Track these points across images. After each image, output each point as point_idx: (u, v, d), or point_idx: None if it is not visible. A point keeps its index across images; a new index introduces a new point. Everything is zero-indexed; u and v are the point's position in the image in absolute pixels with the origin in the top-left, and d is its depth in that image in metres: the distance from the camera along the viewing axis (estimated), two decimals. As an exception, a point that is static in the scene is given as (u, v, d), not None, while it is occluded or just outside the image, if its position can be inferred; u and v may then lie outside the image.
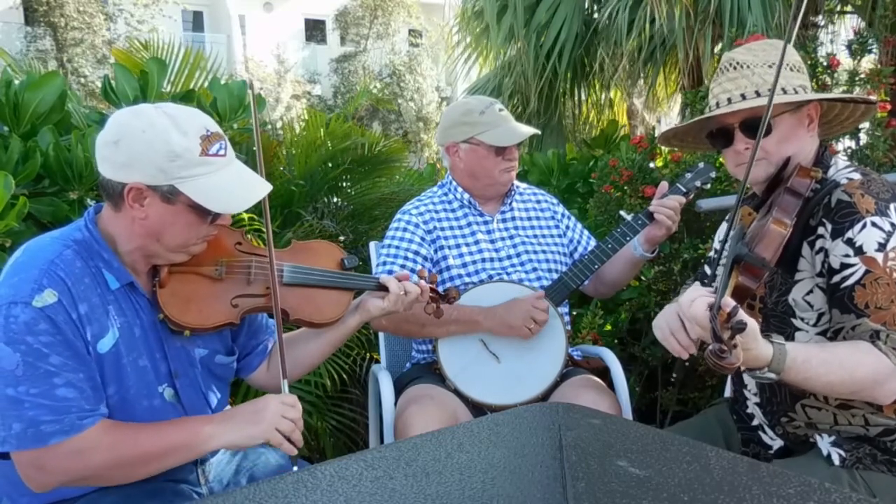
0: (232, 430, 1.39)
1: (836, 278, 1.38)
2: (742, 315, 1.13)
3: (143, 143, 1.32)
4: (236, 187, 1.41)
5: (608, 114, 6.13)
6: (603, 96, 5.99)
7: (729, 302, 1.15)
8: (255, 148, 1.56)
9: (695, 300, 1.22)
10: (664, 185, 2.18)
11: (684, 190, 2.18)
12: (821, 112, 1.57)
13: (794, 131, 1.52)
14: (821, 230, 1.42)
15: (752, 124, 1.50)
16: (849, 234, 1.37)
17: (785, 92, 1.50)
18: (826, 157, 1.54)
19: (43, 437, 1.26)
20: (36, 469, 1.29)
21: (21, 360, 1.25)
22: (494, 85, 5.87)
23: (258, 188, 1.44)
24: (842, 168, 1.51)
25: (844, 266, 1.37)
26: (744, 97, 1.52)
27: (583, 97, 5.90)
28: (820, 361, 1.28)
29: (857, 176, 1.45)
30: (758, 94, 1.50)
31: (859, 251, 1.36)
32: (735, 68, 1.54)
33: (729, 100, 1.54)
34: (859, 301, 1.35)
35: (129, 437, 1.35)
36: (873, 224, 1.36)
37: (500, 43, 5.48)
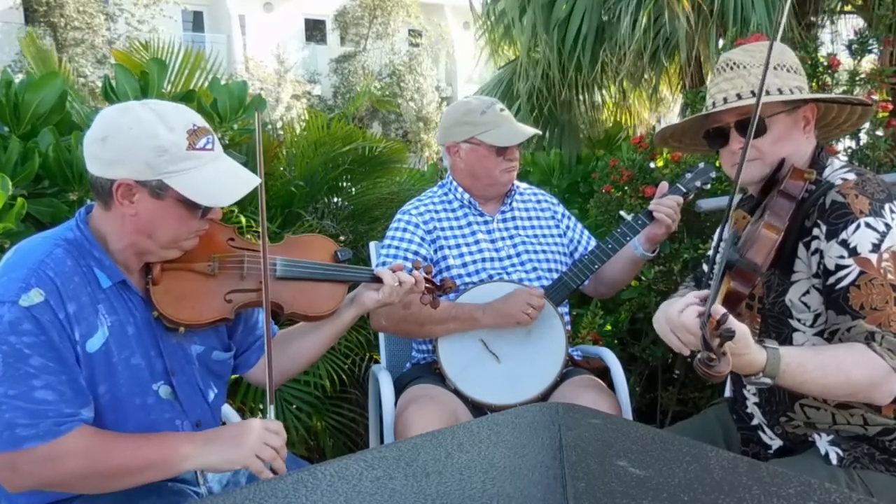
0: (211, 452, 1.38)
1: (831, 280, 1.38)
2: (732, 323, 1.12)
3: (130, 139, 1.33)
4: (225, 180, 1.41)
5: (617, 113, 6.07)
6: (618, 96, 5.94)
7: (719, 310, 1.15)
8: (255, 148, 1.56)
9: (686, 307, 1.22)
10: (664, 185, 2.18)
11: (684, 190, 2.19)
12: (818, 114, 1.57)
13: (789, 132, 1.52)
14: (816, 231, 1.41)
15: (747, 123, 1.50)
16: (843, 235, 1.37)
17: (781, 92, 1.50)
18: (822, 158, 1.53)
19: (18, 440, 1.25)
20: (9, 471, 1.28)
21: (2, 360, 1.25)
22: (505, 85, 5.80)
23: (247, 181, 1.44)
24: (837, 168, 1.50)
25: (839, 267, 1.37)
26: (739, 97, 1.51)
27: (595, 97, 5.84)
28: (815, 365, 1.28)
29: (851, 176, 1.45)
30: (753, 93, 1.50)
31: (853, 252, 1.35)
32: (732, 68, 1.54)
33: (725, 99, 1.54)
34: (854, 302, 1.34)
35: (107, 447, 1.33)
36: (867, 225, 1.36)
37: (525, 41, 5.40)
